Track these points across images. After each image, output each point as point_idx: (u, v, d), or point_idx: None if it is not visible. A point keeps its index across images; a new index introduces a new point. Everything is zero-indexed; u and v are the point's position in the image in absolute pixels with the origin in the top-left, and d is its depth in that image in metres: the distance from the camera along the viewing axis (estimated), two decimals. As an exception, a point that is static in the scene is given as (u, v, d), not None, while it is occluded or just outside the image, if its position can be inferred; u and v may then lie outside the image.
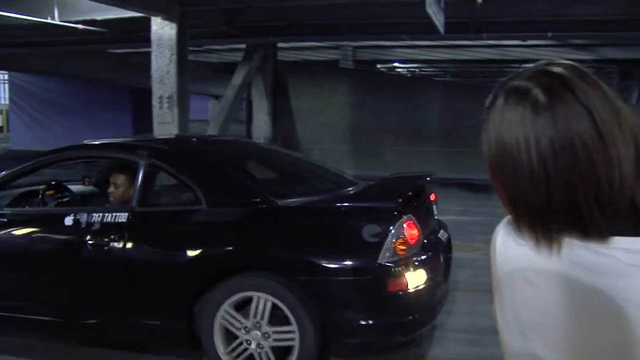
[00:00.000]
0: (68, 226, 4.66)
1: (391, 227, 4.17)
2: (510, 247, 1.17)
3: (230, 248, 4.46)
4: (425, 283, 4.28)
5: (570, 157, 1.02)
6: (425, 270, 4.30)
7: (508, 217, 1.19)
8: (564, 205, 1.04)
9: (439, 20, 9.90)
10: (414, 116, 17.63)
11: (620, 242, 1.03)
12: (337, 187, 5.22)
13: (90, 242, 4.55)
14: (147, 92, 13.26)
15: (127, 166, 5.06)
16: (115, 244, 4.50)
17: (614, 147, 1.02)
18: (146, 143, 5.55)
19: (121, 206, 4.84)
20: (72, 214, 4.71)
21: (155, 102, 12.58)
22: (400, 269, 4.16)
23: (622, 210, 1.03)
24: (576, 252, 1.06)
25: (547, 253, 1.08)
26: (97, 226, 4.57)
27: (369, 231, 4.22)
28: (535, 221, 1.08)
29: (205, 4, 12.55)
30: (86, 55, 19.53)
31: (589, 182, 1.02)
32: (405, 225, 4.23)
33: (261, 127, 17.95)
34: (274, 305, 4.18)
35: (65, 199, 5.54)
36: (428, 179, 5.61)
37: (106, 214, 4.61)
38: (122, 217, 4.56)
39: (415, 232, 4.31)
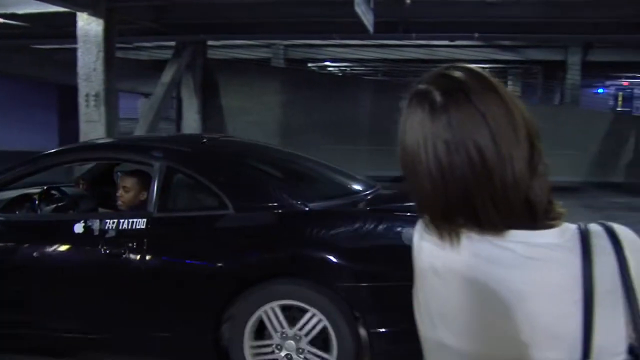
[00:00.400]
0: (78, 234, 4.34)
1: None
2: (422, 242, 1.25)
3: (265, 254, 4.25)
4: None
5: (465, 157, 1.09)
6: None
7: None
8: (460, 203, 1.11)
9: (368, 19, 9.98)
10: (344, 115, 17.74)
11: (517, 236, 1.11)
12: (359, 190, 4.99)
13: (104, 251, 4.25)
14: (74, 90, 13.00)
15: (138, 168, 4.85)
16: (134, 253, 4.21)
17: (506, 148, 1.08)
18: (159, 144, 5.17)
19: (137, 212, 4.51)
20: (82, 221, 4.37)
21: (81, 100, 12.33)
22: None
23: (517, 207, 1.10)
24: (476, 245, 1.13)
25: (450, 247, 1.15)
26: (112, 233, 4.26)
27: (409, 235, 4.10)
28: (437, 217, 1.16)
29: (133, 0, 12.35)
30: (8, 50, 18.95)
31: (483, 181, 1.08)
32: None
33: (191, 125, 17.79)
34: (324, 328, 3.99)
35: (61, 204, 5.16)
36: None
37: (122, 220, 4.29)
38: (141, 223, 4.26)
39: None
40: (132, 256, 4.20)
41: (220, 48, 21.70)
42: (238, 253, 4.25)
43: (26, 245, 4.58)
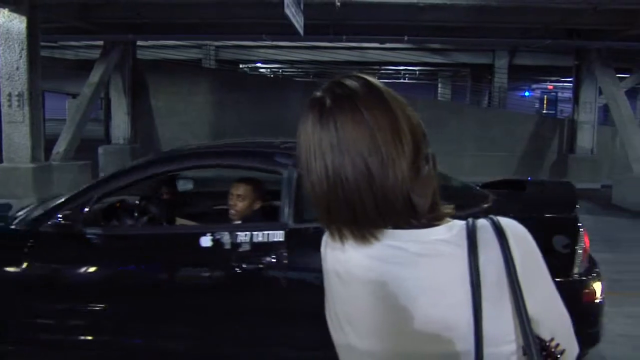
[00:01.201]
0: (206, 248, 4.08)
1: (578, 237, 4.07)
2: (326, 250, 1.29)
3: None
4: (602, 293, 4.21)
5: (348, 161, 1.14)
6: (600, 279, 4.23)
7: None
8: (345, 206, 1.16)
9: (298, 21, 9.98)
10: (275, 116, 17.68)
11: (407, 235, 1.17)
12: (485, 197, 4.65)
13: (238, 265, 4.07)
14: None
15: (252, 176, 4.63)
16: (272, 267, 4.01)
17: (388, 153, 1.14)
18: (282, 150, 4.76)
19: (271, 223, 4.23)
20: (209, 234, 4.10)
21: (3, 99, 11.96)
22: (589, 278, 4.10)
23: (399, 208, 1.16)
24: (370, 247, 1.18)
25: (347, 249, 1.21)
26: (246, 247, 4.03)
27: (558, 242, 4.04)
28: (328, 219, 1.22)
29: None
30: None
31: (365, 184, 1.14)
32: (584, 235, 4.15)
33: (120, 126, 17.48)
34: None
35: (151, 214, 4.89)
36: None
37: (255, 233, 4.04)
38: (278, 235, 4.02)
39: (587, 240, 4.21)
40: (270, 271, 4.03)
41: (149, 48, 21.39)
42: None
43: (148, 259, 4.37)
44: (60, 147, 14.05)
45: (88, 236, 4.25)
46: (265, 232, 4.04)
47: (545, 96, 36.25)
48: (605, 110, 21.52)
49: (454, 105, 25.97)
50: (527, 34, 15.43)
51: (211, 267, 4.21)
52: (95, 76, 15.94)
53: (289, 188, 4.16)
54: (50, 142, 14.38)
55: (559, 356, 1.18)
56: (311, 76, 32.43)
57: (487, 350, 1.13)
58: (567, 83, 26.44)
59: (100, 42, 17.22)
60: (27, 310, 4.30)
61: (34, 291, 4.27)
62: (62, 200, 4.49)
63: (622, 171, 15.04)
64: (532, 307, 1.15)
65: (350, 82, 1.21)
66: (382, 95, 1.19)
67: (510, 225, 1.20)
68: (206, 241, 4.08)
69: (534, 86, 37.70)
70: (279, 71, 32.93)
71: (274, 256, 4.01)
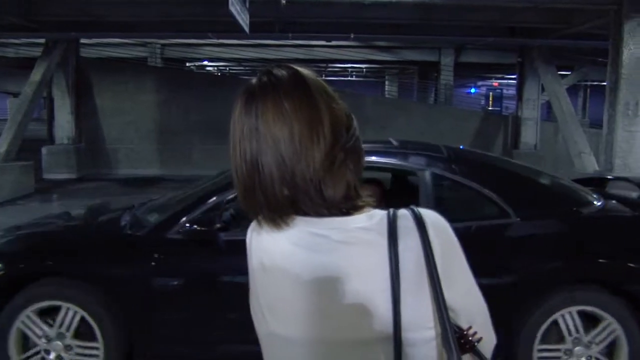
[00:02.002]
0: None
1: None
2: (251, 242, 1.34)
3: (560, 261, 4.20)
4: None
5: (265, 147, 1.20)
6: None
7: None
8: (259, 189, 1.22)
9: (243, 19, 9.94)
10: (222, 115, 17.40)
11: (331, 223, 1.21)
12: (597, 195, 4.72)
13: None
14: None
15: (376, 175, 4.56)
16: None
17: (302, 143, 1.19)
18: (415, 150, 4.88)
19: None
20: None
21: (-59, 99, 11.67)
22: None
23: (311, 196, 1.20)
24: (294, 235, 1.23)
25: (272, 236, 1.26)
26: None
27: None
28: (247, 204, 1.27)
29: (-5, -6, 11.76)
30: None
31: (278, 171, 1.20)
32: None
33: (64, 126, 17.15)
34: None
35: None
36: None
37: None
38: None
39: None
40: None
41: (94, 46, 21.07)
42: (532, 261, 4.16)
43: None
44: (1, 147, 13.72)
45: (225, 242, 4.16)
46: None
47: (491, 93, 36.75)
48: (548, 106, 21.97)
49: (402, 102, 26.16)
50: (472, 32, 15.64)
51: None
52: (37, 75, 15.61)
53: (428, 188, 4.23)
54: (-9, 143, 14.07)
55: (475, 344, 1.25)
56: (257, 74, 32.38)
57: (405, 335, 1.17)
58: (512, 80, 26.88)
59: (42, 40, 16.89)
60: (161, 321, 4.23)
61: (168, 300, 4.19)
62: (187, 204, 4.42)
63: (564, 166, 15.36)
64: (451, 297, 1.20)
65: (278, 72, 1.26)
66: (307, 86, 1.24)
67: (430, 216, 1.25)
68: None
69: (480, 83, 38.21)
70: (225, 69, 32.76)
71: None
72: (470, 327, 1.25)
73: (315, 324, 1.22)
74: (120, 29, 15.63)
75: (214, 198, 4.30)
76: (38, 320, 4.14)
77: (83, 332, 4.17)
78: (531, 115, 17.83)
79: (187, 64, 28.71)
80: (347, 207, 1.23)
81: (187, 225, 4.17)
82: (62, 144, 16.91)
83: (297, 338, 1.24)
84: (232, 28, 11.14)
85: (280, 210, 1.22)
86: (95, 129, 17.75)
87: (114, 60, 21.72)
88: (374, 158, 4.53)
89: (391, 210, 1.25)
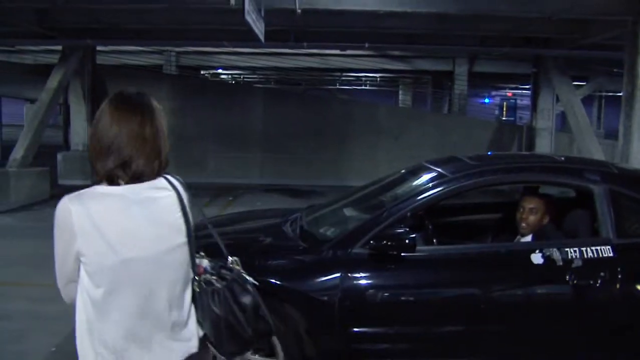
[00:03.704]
0: (538, 265, 4.10)
1: None
2: (74, 206, 2.04)
3: None
4: None
5: (125, 131, 2.12)
6: None
7: (77, 193, 2.05)
8: (113, 162, 2.10)
9: (258, 28, 9.98)
10: (236, 123, 17.69)
11: (148, 185, 2.15)
12: None
13: (572, 282, 4.07)
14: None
15: (537, 189, 4.65)
16: (604, 283, 4.05)
17: (137, 141, 2.13)
18: (586, 166, 4.98)
19: (593, 239, 4.28)
20: (538, 250, 4.13)
21: (-41, 105, 11.80)
22: None
23: (137, 171, 2.12)
24: (123, 192, 2.11)
25: (105, 198, 2.09)
26: (578, 263, 4.07)
27: None
28: (104, 175, 2.13)
29: (11, 1, 11.86)
30: None
31: (141, 148, 2.13)
32: None
33: (79, 132, 17.27)
34: None
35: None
36: None
37: (584, 249, 4.09)
38: (607, 251, 4.10)
39: None
40: (602, 286, 4.07)
41: (110, 54, 21.22)
42: None
43: (484, 278, 4.26)
44: (17, 153, 13.83)
45: (415, 256, 4.15)
46: (595, 248, 4.10)
47: (505, 103, 36.62)
48: (562, 117, 21.89)
49: (415, 111, 26.19)
50: (486, 42, 15.62)
51: (546, 285, 4.23)
52: (53, 81, 15.73)
53: (606, 204, 4.26)
54: (8, 149, 14.18)
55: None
56: (272, 83, 32.42)
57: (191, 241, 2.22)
58: (526, 90, 26.81)
59: (59, 47, 17.03)
60: (345, 337, 4.16)
61: (354, 315, 4.12)
62: (370, 218, 4.40)
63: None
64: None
65: (133, 92, 2.30)
66: (152, 107, 2.30)
67: (177, 179, 2.26)
68: (538, 258, 4.11)
69: (494, 93, 38.13)
70: (240, 77, 32.86)
71: (607, 271, 4.08)
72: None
73: (143, 244, 2.09)
74: (136, 37, 15.71)
75: (398, 211, 4.30)
76: None
77: (262, 348, 4.16)
78: (546, 126, 17.77)
79: (202, 72, 28.82)
80: (155, 176, 2.18)
81: (373, 241, 4.12)
82: (78, 151, 17.01)
83: (143, 256, 2.08)
84: (247, 37, 11.18)
85: (120, 178, 2.12)
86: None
87: (130, 67, 21.87)
88: (547, 175, 4.71)
89: (164, 176, 2.22)
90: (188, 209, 2.17)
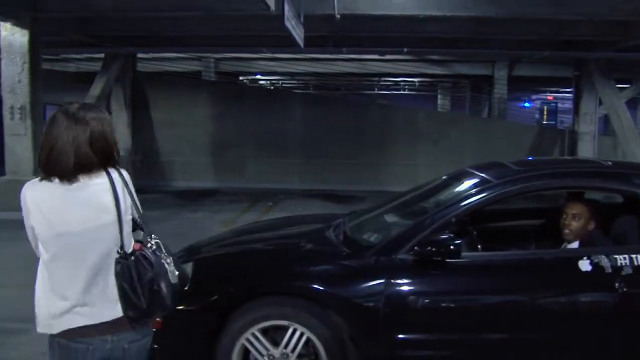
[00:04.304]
0: (586, 272, 4.03)
1: None
2: (28, 192, 2.60)
3: None
4: None
5: (80, 139, 2.55)
6: None
7: (32, 181, 2.63)
8: (61, 163, 2.55)
9: (298, 34, 10.03)
10: (275, 128, 17.75)
11: (88, 178, 2.61)
12: None
13: (621, 290, 3.99)
14: (-3, 102, 12.62)
15: (582, 195, 4.63)
16: None
17: (84, 145, 2.59)
18: (631, 170, 4.98)
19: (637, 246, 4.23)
20: (586, 257, 4.06)
21: (6, 112, 12.04)
22: None
23: (84, 169, 2.60)
24: (68, 185, 2.57)
25: (61, 187, 2.57)
26: (628, 270, 3.99)
27: None
28: (59, 174, 2.55)
29: (59, 11, 12.10)
30: None
31: (104, 152, 2.63)
32: None
33: (121, 138, 17.43)
34: None
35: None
36: None
37: (634, 256, 4.02)
38: None
39: None
40: None
41: (150, 61, 21.45)
42: None
43: (530, 285, 4.19)
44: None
45: (461, 262, 4.12)
46: None
47: (545, 107, 36.24)
48: (605, 120, 21.57)
49: (455, 116, 26.04)
50: (526, 45, 15.50)
51: (594, 293, 4.15)
52: (96, 89, 16.01)
53: None
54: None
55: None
56: (311, 88, 32.45)
57: (123, 218, 2.62)
58: (567, 94, 26.47)
59: (102, 55, 17.29)
60: (391, 344, 4.11)
61: (398, 323, 4.10)
62: (414, 224, 4.36)
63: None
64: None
65: (76, 106, 2.67)
66: (95, 111, 2.69)
67: (119, 170, 2.67)
68: (585, 265, 4.04)
69: (534, 97, 37.74)
70: (278, 83, 32.96)
71: None
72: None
73: (80, 222, 2.57)
74: (176, 44, 15.91)
75: (442, 217, 4.26)
76: (263, 339, 4.11)
77: (304, 354, 4.13)
78: (588, 130, 17.51)
79: (240, 78, 28.98)
80: (98, 171, 2.62)
81: (417, 247, 4.09)
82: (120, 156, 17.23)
83: (73, 231, 2.56)
84: (285, 42, 11.25)
85: (72, 175, 2.57)
86: (151, 142, 18.06)
87: (170, 74, 22.09)
88: (593, 180, 4.61)
89: (108, 170, 2.63)
90: (120, 194, 2.62)
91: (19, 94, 11.89)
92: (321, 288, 4.14)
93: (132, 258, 2.63)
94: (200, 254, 4.91)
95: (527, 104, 37.99)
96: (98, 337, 2.65)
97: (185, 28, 14.10)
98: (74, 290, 2.60)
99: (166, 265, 2.72)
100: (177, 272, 2.76)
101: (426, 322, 4.13)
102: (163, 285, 2.67)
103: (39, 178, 2.62)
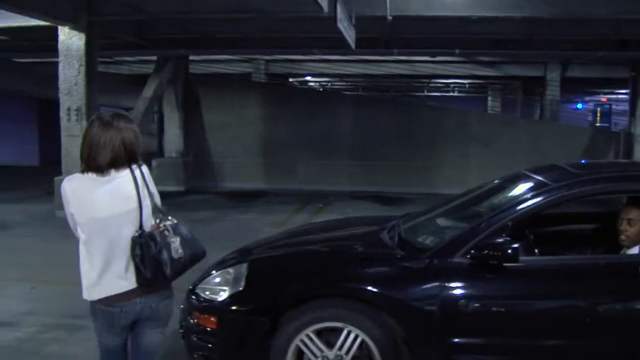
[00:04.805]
0: None
1: None
2: (72, 186, 3.24)
3: None
4: None
5: (112, 141, 3.24)
6: None
7: (70, 176, 3.30)
8: (106, 163, 3.25)
9: (350, 35, 10.03)
10: (325, 130, 17.77)
11: (115, 172, 3.27)
12: None
13: None
14: (53, 104, 12.87)
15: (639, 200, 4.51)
16: None
17: (125, 139, 3.32)
18: None
19: None
20: None
21: (63, 114, 12.28)
22: None
23: (123, 164, 3.30)
24: (104, 178, 3.24)
25: (102, 180, 3.24)
26: None
27: None
28: (97, 168, 3.24)
29: (114, 15, 12.30)
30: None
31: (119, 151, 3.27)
32: None
33: (173, 140, 17.73)
34: None
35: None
36: None
37: None
38: None
39: None
40: None
41: (201, 63, 21.68)
42: None
43: (593, 291, 4.11)
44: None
45: (518, 267, 4.08)
46: None
47: (599, 108, 35.57)
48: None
49: (506, 118, 25.72)
50: (581, 46, 15.22)
51: None
52: (149, 90, 16.22)
53: None
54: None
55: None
56: (360, 90, 32.41)
57: (142, 204, 3.28)
58: (622, 95, 25.94)
59: (154, 57, 17.54)
60: (446, 349, 4.09)
61: (455, 327, 4.08)
62: (469, 228, 4.34)
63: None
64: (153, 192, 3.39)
65: (110, 115, 3.34)
66: (124, 120, 3.36)
67: (141, 166, 3.34)
68: None
69: (587, 98, 37.07)
70: (327, 85, 33.01)
71: None
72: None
73: (108, 208, 3.22)
74: (227, 46, 16.01)
75: (499, 220, 4.23)
76: (317, 341, 4.14)
77: (358, 356, 4.14)
78: (645, 132, 17.15)
79: (290, 80, 29.09)
80: (125, 167, 3.28)
81: (474, 250, 4.07)
82: (171, 157, 17.47)
83: (102, 216, 3.21)
84: (336, 44, 11.27)
85: (106, 170, 3.23)
86: (202, 143, 18.25)
87: (220, 76, 22.29)
88: None
89: (132, 166, 3.30)
90: (140, 185, 3.30)
91: (75, 96, 12.12)
92: (376, 290, 4.13)
93: (142, 238, 3.25)
94: (253, 256, 4.96)
95: (579, 106, 37.33)
96: (128, 301, 3.33)
97: (238, 30, 14.21)
98: (106, 264, 3.27)
99: (171, 244, 3.30)
100: (180, 250, 3.32)
101: (482, 326, 4.07)
102: (165, 260, 3.27)
103: (80, 171, 3.28)
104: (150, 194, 3.36)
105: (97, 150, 3.22)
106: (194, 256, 3.44)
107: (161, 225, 3.33)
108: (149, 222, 3.33)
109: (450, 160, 17.56)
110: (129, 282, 3.30)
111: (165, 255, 3.28)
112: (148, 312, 3.41)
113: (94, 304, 3.36)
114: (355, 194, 16.15)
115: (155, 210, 3.37)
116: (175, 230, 3.37)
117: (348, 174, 17.61)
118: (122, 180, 3.27)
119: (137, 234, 3.25)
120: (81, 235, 3.30)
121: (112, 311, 3.33)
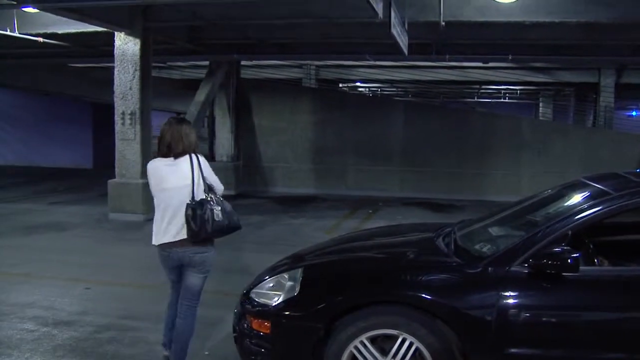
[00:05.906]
0: None
1: None
2: (155, 164, 4.89)
3: None
4: None
5: (176, 136, 4.84)
6: None
7: (152, 160, 4.98)
8: (174, 148, 4.87)
9: (402, 41, 9.99)
10: (376, 135, 17.72)
11: (177, 157, 4.86)
12: None
13: None
14: (108, 107, 13.08)
15: None
16: None
17: (184, 134, 4.93)
18: None
19: None
20: None
21: (117, 118, 12.50)
22: None
23: (182, 152, 4.88)
24: (171, 160, 4.87)
25: (171, 161, 4.85)
26: None
27: None
28: (168, 154, 4.86)
29: (168, 20, 12.49)
30: (47, 69, 19.26)
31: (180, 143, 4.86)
32: None
33: (224, 144, 17.88)
34: None
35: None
36: None
37: None
38: None
39: None
40: None
41: (252, 68, 21.83)
42: None
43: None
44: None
45: (581, 277, 3.98)
46: None
47: (655, 116, 34.80)
48: None
49: (559, 125, 25.33)
50: (637, 52, 14.91)
51: None
52: (201, 95, 16.40)
53: None
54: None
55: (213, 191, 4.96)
56: (410, 95, 32.27)
57: (195, 182, 4.78)
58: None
59: (206, 62, 17.72)
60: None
61: (513, 338, 3.97)
62: (527, 236, 4.22)
63: None
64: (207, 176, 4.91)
65: (176, 119, 5.01)
66: (180, 123, 4.96)
67: (197, 154, 4.89)
68: None
69: (642, 105, 36.32)
70: (377, 90, 32.95)
71: None
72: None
73: (174, 181, 4.77)
74: (282, 51, 16.11)
75: (559, 229, 4.12)
76: (372, 348, 4.11)
77: None
78: None
79: (340, 85, 29.11)
80: (185, 154, 4.84)
81: (532, 259, 3.99)
82: (222, 162, 17.60)
83: (170, 187, 4.76)
84: (389, 50, 11.24)
85: (175, 155, 4.84)
86: (253, 148, 18.37)
87: (271, 81, 22.40)
88: None
89: (189, 154, 4.84)
90: (195, 168, 4.77)
91: (129, 100, 12.33)
92: (432, 298, 4.08)
93: (193, 202, 4.68)
94: (307, 262, 4.95)
95: (634, 113, 36.60)
96: (174, 249, 4.78)
97: (291, 35, 14.28)
98: (166, 221, 4.76)
99: (214, 210, 4.72)
100: (220, 216, 4.73)
101: (540, 337, 3.97)
102: (209, 219, 4.67)
103: (159, 156, 4.86)
104: (203, 177, 4.81)
105: (172, 142, 4.77)
106: (231, 223, 4.83)
107: (209, 197, 4.76)
108: (200, 194, 4.76)
109: (502, 167, 17.33)
110: (177, 235, 4.73)
111: (208, 215, 4.67)
112: (187, 260, 4.79)
113: (157, 247, 4.86)
114: (404, 200, 16.07)
115: (207, 188, 4.82)
116: (220, 203, 4.81)
117: (398, 180, 17.54)
118: (183, 165, 4.77)
119: (190, 201, 4.68)
120: (156, 200, 4.83)
121: (163, 254, 4.86)
